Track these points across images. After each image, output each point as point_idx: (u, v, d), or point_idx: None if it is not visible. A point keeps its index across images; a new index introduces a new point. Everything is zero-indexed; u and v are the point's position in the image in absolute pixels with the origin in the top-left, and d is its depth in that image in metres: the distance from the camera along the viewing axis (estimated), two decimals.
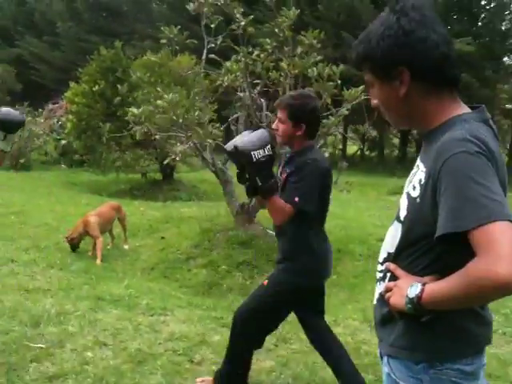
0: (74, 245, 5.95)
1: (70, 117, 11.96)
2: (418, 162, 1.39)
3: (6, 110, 2.96)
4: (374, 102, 1.47)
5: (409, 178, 1.42)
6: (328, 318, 4.00)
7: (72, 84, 12.29)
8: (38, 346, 3.49)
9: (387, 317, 1.44)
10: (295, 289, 2.74)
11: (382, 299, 1.42)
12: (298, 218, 2.61)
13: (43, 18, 28.05)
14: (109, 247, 6.37)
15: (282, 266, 2.79)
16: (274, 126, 2.77)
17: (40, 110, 17.11)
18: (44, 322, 3.86)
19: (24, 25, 28.83)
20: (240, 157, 2.45)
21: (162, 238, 6.19)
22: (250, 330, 2.84)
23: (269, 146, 2.46)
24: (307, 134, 2.69)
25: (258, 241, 5.88)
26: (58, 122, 15.80)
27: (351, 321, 4.07)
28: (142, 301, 4.43)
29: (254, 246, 5.79)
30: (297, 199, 2.57)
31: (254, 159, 2.42)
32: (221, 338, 3.70)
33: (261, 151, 2.43)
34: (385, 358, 1.48)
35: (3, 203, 8.21)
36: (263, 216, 6.79)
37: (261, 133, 2.53)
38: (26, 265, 5.33)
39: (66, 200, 9.21)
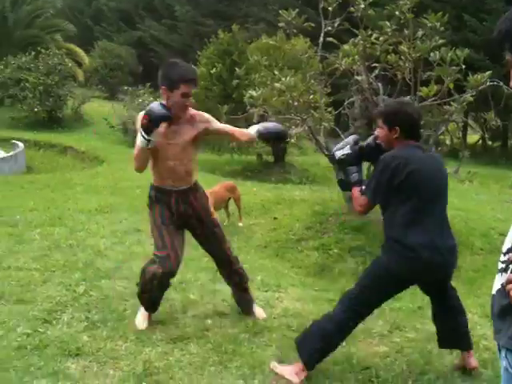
0: None
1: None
2: None
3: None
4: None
5: None
6: None
7: None
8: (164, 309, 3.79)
9: (507, 308, 1.40)
10: None
11: (503, 290, 1.39)
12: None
13: (162, 2, 29.23)
14: (225, 223, 6.64)
15: None
16: (375, 132, 3.07)
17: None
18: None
19: (145, 8, 30.23)
20: (331, 159, 3.15)
21: (275, 218, 6.34)
22: None
23: (348, 146, 3.02)
24: (404, 136, 2.91)
25: (370, 227, 5.84)
26: None
27: (470, 315, 3.91)
28: (257, 276, 4.61)
29: (367, 232, 5.76)
30: (367, 190, 2.90)
31: (337, 157, 3.04)
32: None
33: (341, 151, 3.04)
34: (503, 352, 1.44)
35: (130, 177, 8.79)
36: None
37: (349, 136, 3.20)
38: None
39: None
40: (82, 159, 11.53)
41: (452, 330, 3.11)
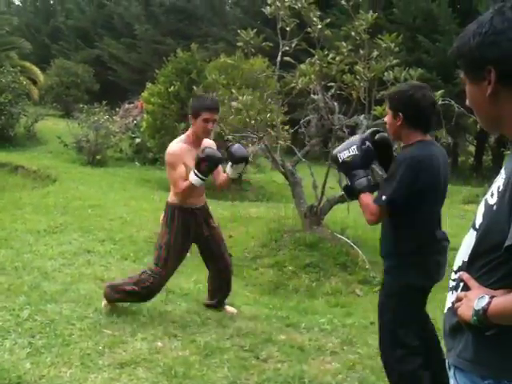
0: None
1: (146, 116, 12.36)
2: (502, 169, 1.35)
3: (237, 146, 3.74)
4: (467, 101, 1.42)
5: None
6: None
7: (148, 85, 12.69)
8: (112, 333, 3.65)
9: (457, 327, 1.40)
10: None
11: (453, 309, 1.40)
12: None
13: (121, 21, 29.02)
14: None
15: None
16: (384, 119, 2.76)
17: (117, 109, 17.77)
18: (117, 311, 4.02)
19: (103, 27, 29.94)
20: (333, 161, 2.76)
21: (230, 236, 6.28)
22: None
23: (354, 147, 2.60)
24: (409, 125, 2.57)
25: (325, 243, 5.86)
26: (133, 121, 16.36)
27: None
28: None
29: (321, 249, 5.77)
30: (384, 197, 2.55)
31: (340, 160, 2.64)
32: (286, 337, 3.73)
33: (346, 152, 2.61)
34: (451, 370, 1.44)
35: (81, 197, 8.59)
36: (331, 219, 6.77)
37: (354, 136, 2.80)
38: (101, 256, 5.57)
39: (139, 196, 9.52)
40: (34, 178, 11.19)
41: None
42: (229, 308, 4.22)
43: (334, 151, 2.71)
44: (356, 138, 2.72)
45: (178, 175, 3.59)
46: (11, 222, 6.78)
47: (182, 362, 3.31)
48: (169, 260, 3.80)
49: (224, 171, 3.85)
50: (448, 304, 1.46)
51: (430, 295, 4.97)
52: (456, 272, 1.45)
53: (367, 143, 2.64)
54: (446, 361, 1.49)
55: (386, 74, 5.44)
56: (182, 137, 3.78)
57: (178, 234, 3.77)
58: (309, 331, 3.81)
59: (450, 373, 1.45)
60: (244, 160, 3.70)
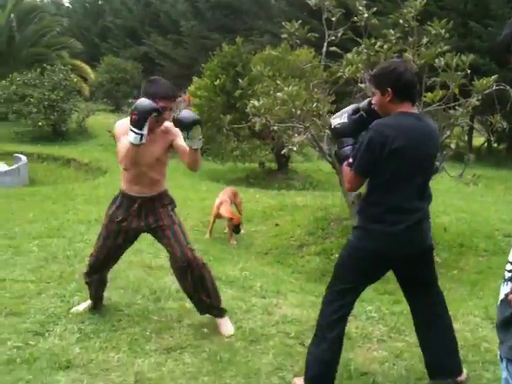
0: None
1: (193, 109, 12.48)
2: None
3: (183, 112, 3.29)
4: None
5: None
6: None
7: (195, 79, 12.79)
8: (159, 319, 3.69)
9: (510, 319, 1.35)
10: None
11: (507, 300, 1.35)
12: None
13: (168, 18, 29.46)
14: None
15: None
16: (372, 100, 2.75)
17: None
18: (164, 297, 4.07)
19: (150, 24, 30.50)
20: (328, 127, 2.89)
21: (277, 224, 6.27)
22: None
23: (346, 115, 2.72)
24: (398, 98, 2.60)
25: None
26: None
27: (472, 317, 3.85)
28: (256, 283, 4.51)
29: None
30: (353, 162, 2.63)
31: (332, 126, 2.78)
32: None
33: (337, 119, 2.75)
34: (504, 362, 1.39)
35: None
36: None
37: (351, 105, 2.83)
38: (149, 244, 5.61)
39: (186, 186, 9.63)
40: (85, 171, 11.52)
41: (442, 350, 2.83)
42: (223, 326, 3.62)
43: (332, 120, 2.80)
44: (350, 107, 2.80)
45: (120, 145, 3.27)
46: (64, 213, 6.98)
47: (227, 348, 3.30)
48: (97, 241, 3.59)
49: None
50: (501, 296, 1.41)
51: (483, 283, 4.87)
52: None
53: (359, 112, 2.72)
54: (498, 353, 1.44)
55: (436, 60, 5.27)
56: None
57: (110, 218, 3.51)
58: (356, 319, 3.73)
59: (503, 365, 1.40)
60: (194, 123, 3.20)
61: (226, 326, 3.60)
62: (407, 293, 2.94)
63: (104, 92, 23.02)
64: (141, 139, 3.10)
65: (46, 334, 3.39)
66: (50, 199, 8.16)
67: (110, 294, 4.06)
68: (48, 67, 16.99)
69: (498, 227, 6.28)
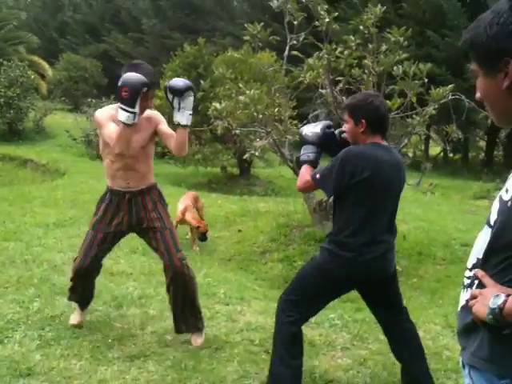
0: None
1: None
2: None
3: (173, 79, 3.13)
4: (478, 94, 1.37)
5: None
6: None
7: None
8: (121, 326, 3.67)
9: (471, 325, 1.37)
10: None
11: (467, 307, 1.36)
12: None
13: (129, 15, 29.03)
14: (187, 237, 6.55)
15: None
16: (343, 128, 2.91)
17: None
18: (126, 303, 4.04)
19: (111, 21, 29.97)
20: (299, 132, 3.06)
21: (239, 230, 6.29)
22: None
23: (319, 126, 2.91)
24: (370, 130, 2.72)
25: None
26: None
27: (433, 325, 3.97)
28: (220, 290, 4.53)
29: None
30: (318, 176, 2.77)
31: (303, 133, 2.97)
32: None
33: (311, 127, 2.95)
34: (466, 369, 1.40)
35: (90, 190, 8.59)
36: None
37: (323, 121, 3.16)
38: None
39: None
40: (43, 172, 11.26)
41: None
42: (195, 338, 3.50)
43: (302, 128, 3.05)
44: (325, 121, 3.05)
45: (109, 130, 3.07)
46: (21, 216, 6.82)
47: (191, 356, 3.31)
48: (83, 244, 3.40)
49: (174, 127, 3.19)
50: (462, 302, 1.43)
51: (442, 291, 5.02)
52: (470, 269, 1.42)
53: (332, 130, 2.94)
54: (460, 359, 1.46)
55: (395, 68, 5.40)
56: (112, 106, 3.26)
57: (99, 219, 3.33)
58: (319, 326, 3.80)
59: (465, 372, 1.42)
60: (186, 89, 3.02)
61: (197, 339, 3.50)
62: (371, 309, 3.06)
63: (62, 90, 22.49)
64: (134, 118, 2.90)
65: (5, 341, 3.32)
66: (6, 201, 7.94)
67: (69, 302, 4.00)
68: (4, 62, 16.47)
69: (455, 236, 6.47)
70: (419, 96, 5.41)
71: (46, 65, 23.17)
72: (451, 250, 5.97)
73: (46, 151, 13.54)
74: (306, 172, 2.83)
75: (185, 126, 3.08)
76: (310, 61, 5.75)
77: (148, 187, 3.36)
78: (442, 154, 19.79)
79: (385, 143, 2.80)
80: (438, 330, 3.92)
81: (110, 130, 3.06)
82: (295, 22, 5.84)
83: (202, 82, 8.24)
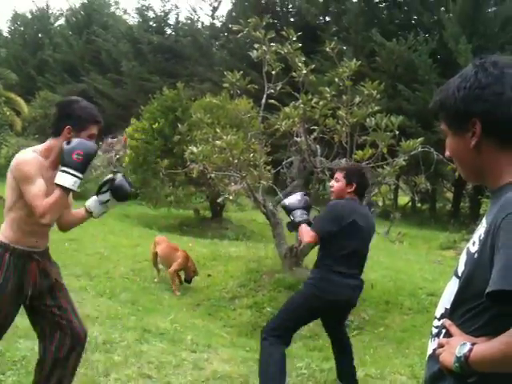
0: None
1: (129, 151, 12.36)
2: (483, 218, 1.36)
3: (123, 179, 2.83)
4: (447, 153, 1.45)
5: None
6: (374, 371, 3.92)
7: (133, 120, 12.74)
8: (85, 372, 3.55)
9: (438, 374, 1.38)
10: None
11: (435, 355, 1.37)
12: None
13: (109, 57, 29.39)
14: (156, 280, 6.46)
15: None
16: (330, 183, 3.69)
17: (100, 143, 17.76)
18: (91, 349, 3.92)
19: (90, 62, 30.29)
20: (281, 205, 3.88)
21: (209, 275, 6.23)
22: None
23: (298, 195, 3.74)
24: (355, 192, 3.52)
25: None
26: (115, 155, 16.36)
27: (398, 375, 3.94)
28: (187, 336, 4.45)
29: None
30: (317, 228, 3.48)
31: (287, 203, 3.72)
32: None
33: (292, 198, 3.75)
34: None
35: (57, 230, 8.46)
36: (311, 260, 6.75)
37: (299, 192, 4.00)
38: (76, 292, 5.44)
39: (118, 231, 9.43)
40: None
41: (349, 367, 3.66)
42: None
43: (284, 200, 3.83)
44: (300, 192, 3.93)
45: (38, 189, 2.49)
46: None
47: None
48: None
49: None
50: (429, 351, 1.44)
51: (408, 341, 5.01)
52: (439, 319, 1.45)
53: (306, 197, 3.75)
54: None
55: (367, 120, 5.54)
56: (37, 148, 2.67)
57: (4, 288, 2.57)
58: (287, 376, 3.74)
59: None
60: (128, 199, 2.88)
61: None
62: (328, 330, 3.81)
63: (36, 128, 22.39)
64: (77, 184, 2.53)
65: None
66: None
67: (32, 344, 3.87)
68: None
69: (422, 286, 6.50)
70: (390, 147, 5.54)
71: (22, 102, 23.07)
72: (418, 299, 5.99)
73: None
74: (306, 229, 3.49)
75: (91, 214, 2.82)
76: (287, 109, 5.86)
77: (47, 246, 2.80)
78: (410, 203, 20.18)
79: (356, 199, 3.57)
80: (404, 380, 3.91)
81: (40, 190, 2.50)
82: (273, 72, 5.98)
83: (179, 125, 8.34)
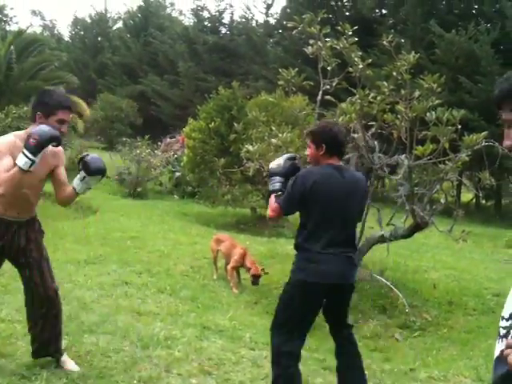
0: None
1: (187, 151, 12.57)
2: None
3: (94, 156, 3.23)
4: (507, 143, 1.39)
5: None
6: (437, 373, 3.81)
7: (190, 120, 12.95)
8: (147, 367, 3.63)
9: (507, 376, 1.33)
10: None
11: (502, 357, 1.30)
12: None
13: (165, 58, 30.02)
14: (215, 277, 6.53)
15: None
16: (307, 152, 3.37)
17: (158, 143, 18.17)
18: (153, 344, 4.01)
19: (148, 64, 31.06)
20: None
21: (266, 273, 6.22)
22: None
23: (282, 160, 3.29)
24: (329, 153, 3.14)
25: (363, 285, 5.72)
26: (174, 155, 16.70)
27: (462, 378, 3.81)
28: (246, 334, 4.48)
29: (360, 290, 5.62)
30: (281, 200, 3.18)
31: (269, 167, 3.38)
32: (323, 380, 3.63)
33: (276, 162, 3.35)
34: None
35: (121, 228, 8.72)
36: (370, 260, 6.65)
37: (286, 154, 3.63)
38: (138, 288, 5.60)
39: (177, 229, 9.60)
40: (75, 209, 11.45)
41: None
42: (69, 363, 3.53)
43: (271, 163, 3.45)
44: (289, 154, 3.53)
45: (1, 165, 2.97)
46: (52, 252, 6.84)
47: None
48: None
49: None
50: (496, 353, 1.39)
51: (473, 342, 4.84)
52: (507, 319, 1.39)
53: (293, 162, 3.34)
54: None
55: (428, 114, 5.38)
56: (18, 132, 3.18)
57: None
58: None
59: None
60: (100, 172, 3.19)
61: (70, 362, 3.52)
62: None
63: (98, 129, 23.17)
64: (30, 166, 2.90)
65: (33, 378, 3.31)
66: None
67: (97, 339, 4.00)
68: None
69: (487, 286, 6.29)
70: (452, 142, 5.36)
71: (83, 104, 23.92)
72: (483, 300, 5.79)
73: None
74: (273, 200, 3.21)
75: (78, 193, 3.26)
76: (343, 105, 5.78)
77: (32, 218, 3.32)
78: (474, 200, 19.43)
79: (339, 163, 3.22)
80: (469, 382, 3.79)
81: (2, 165, 2.97)
82: (329, 68, 5.90)
83: (235, 124, 8.40)
